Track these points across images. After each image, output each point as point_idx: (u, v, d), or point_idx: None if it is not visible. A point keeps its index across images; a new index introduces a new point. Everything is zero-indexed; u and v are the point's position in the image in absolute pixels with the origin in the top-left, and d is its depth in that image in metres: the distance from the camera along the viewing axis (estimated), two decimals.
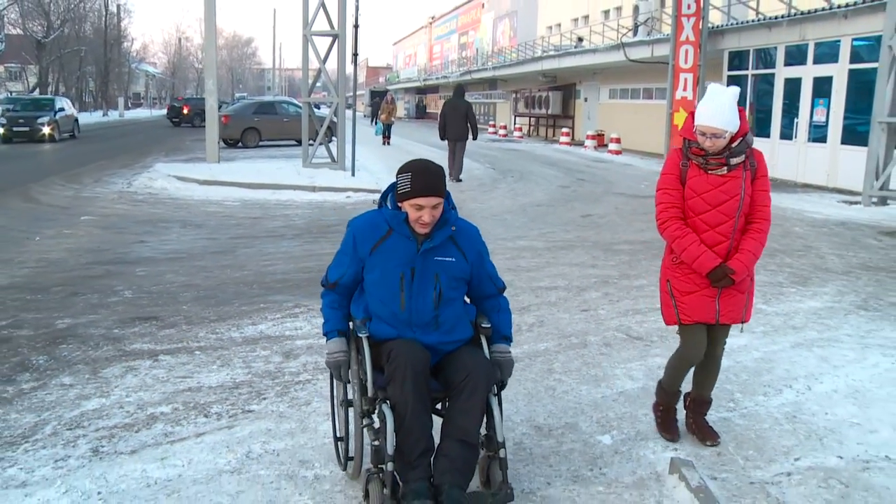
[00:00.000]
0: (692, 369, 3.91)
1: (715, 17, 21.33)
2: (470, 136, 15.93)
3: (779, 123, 17.72)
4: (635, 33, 26.25)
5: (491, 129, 38.49)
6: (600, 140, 27.52)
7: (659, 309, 6.30)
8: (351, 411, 3.37)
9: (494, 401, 3.13)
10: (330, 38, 16.57)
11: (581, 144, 28.88)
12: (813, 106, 16.54)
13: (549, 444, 3.87)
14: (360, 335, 3.22)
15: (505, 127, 39.90)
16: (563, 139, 30.13)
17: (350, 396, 3.37)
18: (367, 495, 3.05)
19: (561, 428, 4.07)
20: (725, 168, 3.56)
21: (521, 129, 37.82)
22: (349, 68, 16.44)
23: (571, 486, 3.30)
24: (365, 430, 3.18)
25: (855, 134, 15.17)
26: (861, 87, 15.08)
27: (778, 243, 9.31)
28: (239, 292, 6.87)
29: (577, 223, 11.10)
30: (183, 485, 3.45)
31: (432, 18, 75.93)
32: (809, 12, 16.36)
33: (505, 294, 3.51)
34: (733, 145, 3.55)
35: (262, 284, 7.18)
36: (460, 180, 15.93)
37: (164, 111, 51.76)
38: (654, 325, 5.94)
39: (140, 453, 3.75)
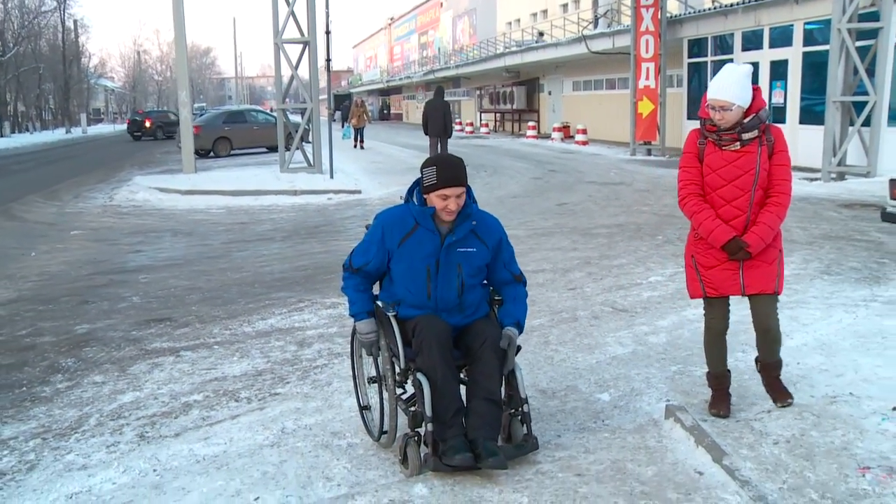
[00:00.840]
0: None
1: (673, 7, 21.95)
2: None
3: None
4: (596, 25, 26.86)
5: (458, 127, 38.90)
6: (566, 132, 28.09)
7: (640, 284, 6.85)
8: (380, 386, 3.69)
9: (515, 363, 3.52)
10: (300, 46, 16.90)
11: (548, 137, 29.43)
12: (771, 88, 17.18)
13: (555, 404, 4.30)
14: (389, 314, 3.57)
15: (472, 124, 40.37)
16: (530, 133, 30.67)
17: (380, 372, 3.71)
18: (404, 458, 3.43)
19: (563, 390, 4.49)
20: (739, 143, 3.66)
21: (487, 126, 38.32)
22: (322, 74, 16.78)
23: (580, 435, 3.72)
24: (398, 400, 3.55)
25: (812, 114, 15.83)
26: (815, 69, 15.73)
27: None
28: (242, 292, 7.20)
29: (553, 211, 11.56)
30: (229, 459, 3.80)
31: (391, 20, 76.06)
32: None
33: None
34: (745, 121, 3.65)
35: (262, 284, 7.52)
36: None
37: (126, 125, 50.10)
38: (637, 299, 6.41)
39: (183, 436, 4.10)
